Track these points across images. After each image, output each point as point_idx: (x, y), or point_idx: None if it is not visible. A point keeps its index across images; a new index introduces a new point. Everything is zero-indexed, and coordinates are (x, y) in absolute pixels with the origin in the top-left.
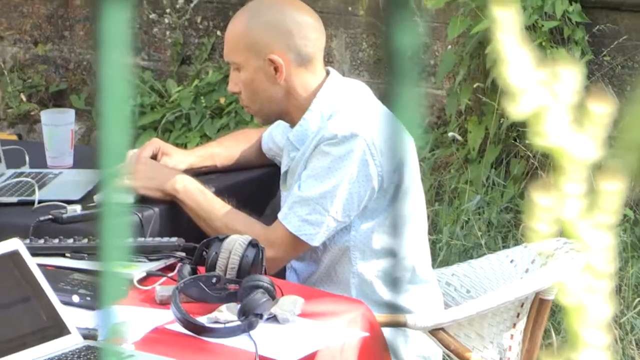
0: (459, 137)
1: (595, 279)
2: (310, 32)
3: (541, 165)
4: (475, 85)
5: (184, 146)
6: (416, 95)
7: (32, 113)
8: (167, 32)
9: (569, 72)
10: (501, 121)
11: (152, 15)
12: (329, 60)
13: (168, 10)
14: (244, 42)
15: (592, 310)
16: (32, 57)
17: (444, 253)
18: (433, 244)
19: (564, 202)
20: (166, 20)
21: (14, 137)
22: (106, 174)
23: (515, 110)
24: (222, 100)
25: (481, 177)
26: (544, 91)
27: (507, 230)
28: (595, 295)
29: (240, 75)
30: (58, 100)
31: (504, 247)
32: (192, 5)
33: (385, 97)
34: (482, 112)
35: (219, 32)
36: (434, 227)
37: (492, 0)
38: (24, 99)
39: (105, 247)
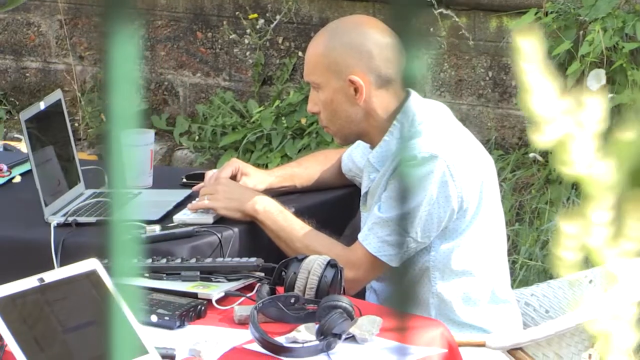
0: (540, 158)
1: (621, 307)
2: (391, 54)
3: None
4: None
5: (265, 166)
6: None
7: None
8: (248, 53)
9: (594, 100)
10: None
11: (233, 36)
12: None
13: (248, 31)
14: (324, 62)
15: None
16: None
17: (524, 273)
18: (512, 264)
19: (591, 229)
20: (246, 41)
21: (95, 158)
22: (116, 191)
23: (540, 139)
24: (303, 121)
25: (562, 197)
26: (569, 120)
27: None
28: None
29: (319, 96)
30: (139, 120)
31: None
32: (272, 25)
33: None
34: None
35: (300, 53)
36: (514, 248)
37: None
38: (105, 119)
39: (117, 264)
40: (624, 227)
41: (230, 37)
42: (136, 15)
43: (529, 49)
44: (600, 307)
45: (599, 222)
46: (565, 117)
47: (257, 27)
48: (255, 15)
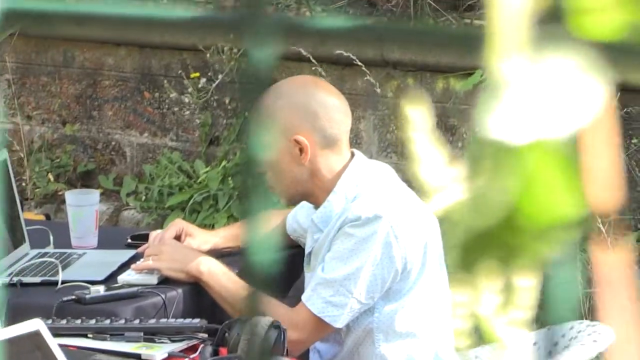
0: None
1: None
2: (336, 114)
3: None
4: None
5: (212, 227)
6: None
7: (60, 193)
8: (195, 113)
9: None
10: None
11: (173, 95)
12: (357, 141)
13: (190, 90)
14: (269, 122)
15: None
16: (60, 137)
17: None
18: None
19: (480, 298)
20: (186, 100)
21: (42, 217)
22: None
23: (431, 206)
24: None
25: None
26: (459, 188)
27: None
28: None
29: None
30: (86, 180)
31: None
32: (214, 85)
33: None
34: None
35: (247, 113)
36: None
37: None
38: (52, 178)
39: None
40: (513, 295)
41: (171, 95)
42: None
43: (417, 118)
44: None
45: (488, 290)
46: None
47: (199, 86)
48: (197, 74)
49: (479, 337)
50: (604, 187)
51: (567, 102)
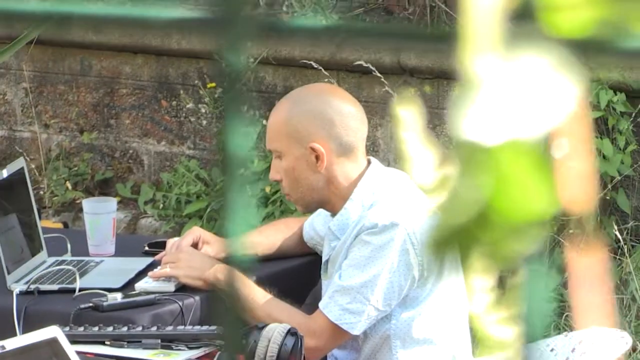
0: None
1: None
2: (352, 122)
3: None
4: None
5: None
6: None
7: (78, 201)
8: (213, 121)
9: None
10: None
11: (189, 105)
12: (374, 149)
13: (207, 99)
14: (286, 130)
15: None
16: (77, 145)
17: None
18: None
19: (472, 296)
20: (203, 110)
21: (60, 226)
22: None
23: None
24: (268, 189)
25: None
26: (449, 187)
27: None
28: None
29: (281, 163)
30: (104, 188)
31: (545, 336)
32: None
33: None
34: None
35: (264, 121)
36: None
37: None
38: (70, 187)
39: None
40: (504, 293)
41: (188, 105)
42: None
43: (408, 118)
44: None
45: (480, 288)
46: (445, 184)
47: (216, 96)
48: (213, 84)
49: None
50: (578, 186)
51: (540, 100)
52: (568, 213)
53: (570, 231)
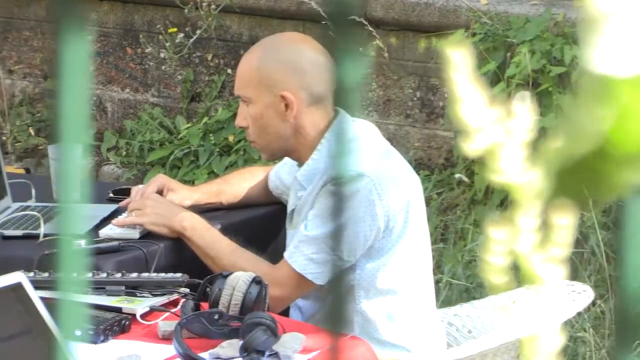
0: (466, 179)
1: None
2: (324, 72)
3: None
4: None
5: (192, 183)
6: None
7: (40, 147)
8: (177, 69)
9: (523, 109)
10: None
11: (149, 49)
12: None
13: (168, 44)
14: (256, 76)
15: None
16: (41, 92)
17: (447, 292)
18: (436, 283)
19: (518, 236)
20: (162, 55)
21: (22, 171)
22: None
23: (470, 147)
24: (231, 138)
25: (486, 218)
26: (498, 129)
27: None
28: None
29: (249, 110)
30: None
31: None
32: (191, 41)
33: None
34: None
35: (229, 70)
36: (438, 267)
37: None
38: (33, 133)
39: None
40: (551, 233)
41: (146, 50)
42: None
43: (459, 60)
44: (525, 323)
45: (527, 228)
46: (494, 126)
47: (177, 41)
48: (175, 29)
49: (517, 275)
50: None
51: None
52: None
53: None
